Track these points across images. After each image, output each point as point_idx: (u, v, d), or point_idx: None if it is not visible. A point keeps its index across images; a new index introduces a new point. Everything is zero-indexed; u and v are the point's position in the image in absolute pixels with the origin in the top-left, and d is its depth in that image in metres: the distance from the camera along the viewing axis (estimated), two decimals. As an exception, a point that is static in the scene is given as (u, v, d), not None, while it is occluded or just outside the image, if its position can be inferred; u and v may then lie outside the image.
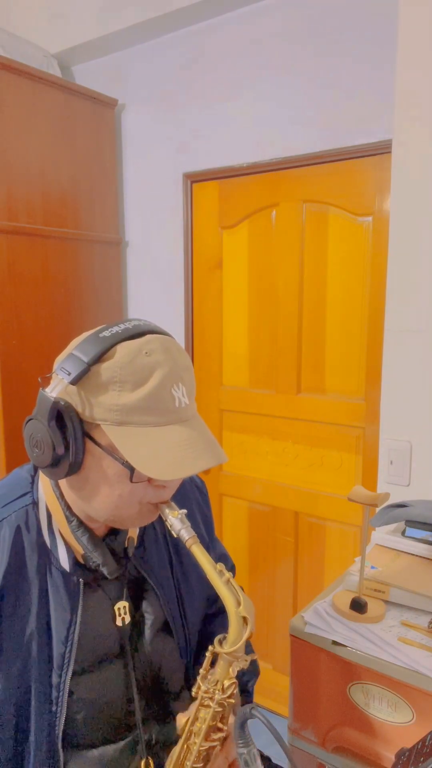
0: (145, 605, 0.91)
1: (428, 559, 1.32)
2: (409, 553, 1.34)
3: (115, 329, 0.76)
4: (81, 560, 0.85)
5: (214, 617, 1.05)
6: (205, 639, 1.00)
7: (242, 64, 2.07)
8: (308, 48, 1.92)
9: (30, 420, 0.77)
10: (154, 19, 2.10)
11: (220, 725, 0.77)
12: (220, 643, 0.74)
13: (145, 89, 2.34)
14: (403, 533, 1.40)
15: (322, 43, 1.89)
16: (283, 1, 1.95)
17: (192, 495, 1.05)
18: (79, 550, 0.84)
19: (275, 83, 2.01)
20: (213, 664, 0.76)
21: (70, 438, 0.74)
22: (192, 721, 0.77)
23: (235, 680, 0.74)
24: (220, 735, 0.77)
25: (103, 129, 2.36)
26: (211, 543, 1.07)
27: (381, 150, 1.83)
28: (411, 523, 1.38)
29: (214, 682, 0.75)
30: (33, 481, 0.88)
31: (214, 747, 0.77)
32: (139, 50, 2.32)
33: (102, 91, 2.37)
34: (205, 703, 0.75)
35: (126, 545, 0.89)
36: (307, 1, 1.90)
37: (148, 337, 0.76)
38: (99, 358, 0.73)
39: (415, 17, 1.50)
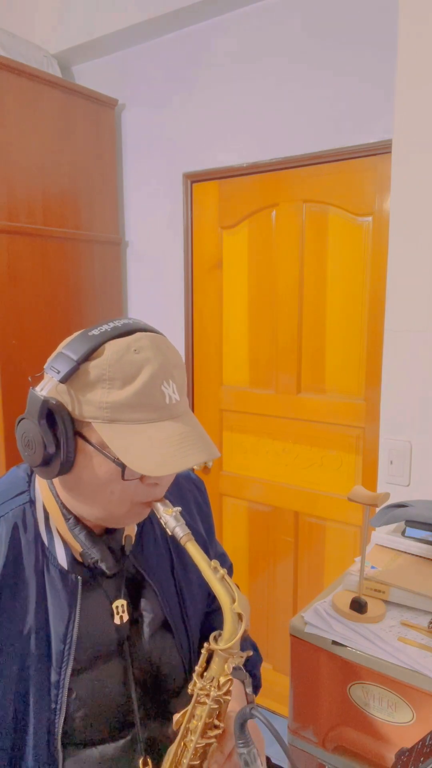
0: (143, 603, 0.91)
1: (428, 559, 1.31)
2: (409, 553, 1.34)
3: (104, 327, 0.76)
4: (79, 558, 0.85)
5: (212, 614, 1.05)
6: (204, 638, 1.00)
7: (242, 64, 2.07)
8: (308, 48, 1.92)
9: (22, 419, 0.77)
10: (154, 19, 2.10)
11: (216, 722, 0.76)
12: (215, 639, 0.74)
13: (145, 89, 2.34)
14: (403, 533, 1.40)
15: (321, 43, 1.89)
16: (283, 1, 1.95)
17: (190, 493, 1.05)
18: (77, 547, 0.84)
19: (275, 83, 2.01)
20: (208, 661, 0.76)
21: (61, 436, 0.74)
22: (188, 718, 0.77)
23: (230, 677, 0.74)
24: (216, 732, 0.77)
25: (103, 129, 2.36)
26: (210, 541, 1.07)
27: (381, 150, 1.83)
28: (411, 523, 1.38)
29: (210, 679, 0.75)
30: (30, 479, 0.88)
31: (210, 744, 0.77)
32: (139, 50, 2.32)
33: (102, 91, 2.37)
34: (201, 700, 0.75)
35: (123, 543, 0.88)
36: (307, 1, 1.90)
37: (137, 334, 0.77)
38: (88, 357, 0.74)
39: (415, 17, 1.50)
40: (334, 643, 1.10)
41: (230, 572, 1.12)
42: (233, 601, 0.72)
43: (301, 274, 2.08)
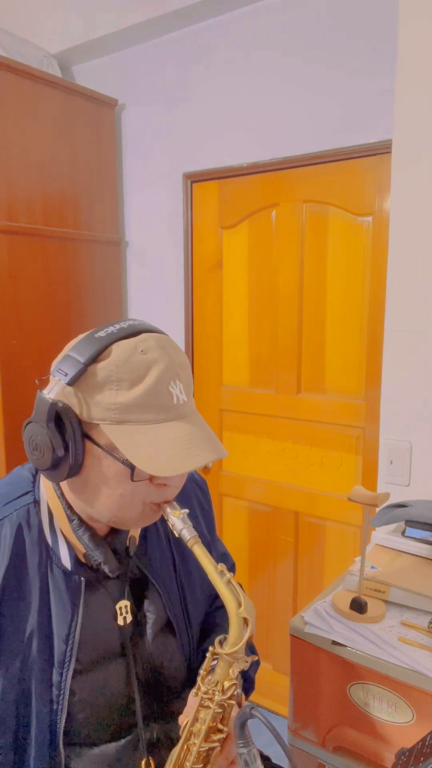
0: (147, 604, 0.91)
1: (428, 559, 1.32)
2: (409, 553, 1.34)
3: (110, 329, 0.76)
4: (83, 559, 0.85)
5: (213, 613, 1.05)
6: (204, 634, 1.00)
7: (242, 64, 2.07)
8: (308, 47, 1.92)
9: (29, 423, 0.77)
10: (154, 19, 2.10)
11: (220, 726, 0.76)
12: (221, 644, 0.74)
13: (145, 89, 2.34)
14: (403, 533, 1.40)
15: (322, 43, 1.89)
16: (283, 1, 1.95)
17: (193, 493, 1.05)
18: (81, 548, 0.84)
19: (275, 83, 2.01)
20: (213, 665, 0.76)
21: (69, 439, 0.74)
22: (192, 722, 0.77)
23: (235, 681, 0.74)
24: (220, 736, 0.77)
25: (103, 129, 2.36)
26: (212, 541, 1.07)
27: (381, 150, 1.83)
28: (411, 523, 1.38)
29: (214, 683, 0.74)
30: (34, 480, 0.88)
31: (213, 748, 0.77)
32: (139, 50, 2.32)
33: (102, 91, 2.37)
34: (205, 704, 0.75)
35: (127, 544, 0.89)
36: (307, 1, 1.90)
37: (143, 335, 0.77)
38: (95, 358, 0.74)
39: (414, 18, 1.50)
40: (334, 643, 1.11)
41: (233, 570, 1.12)
42: (239, 605, 0.72)
43: (301, 274, 2.08)
